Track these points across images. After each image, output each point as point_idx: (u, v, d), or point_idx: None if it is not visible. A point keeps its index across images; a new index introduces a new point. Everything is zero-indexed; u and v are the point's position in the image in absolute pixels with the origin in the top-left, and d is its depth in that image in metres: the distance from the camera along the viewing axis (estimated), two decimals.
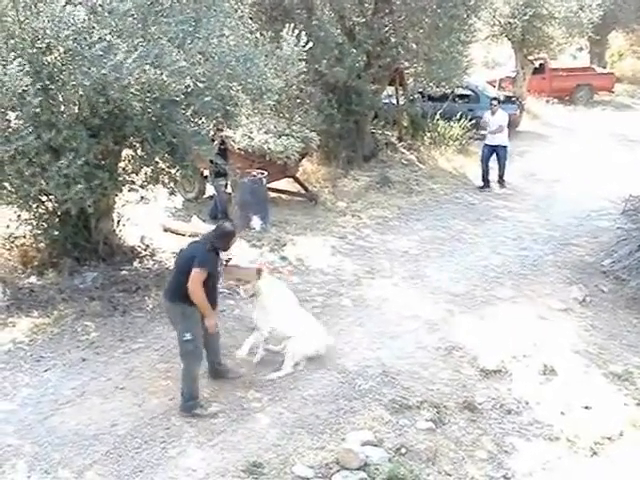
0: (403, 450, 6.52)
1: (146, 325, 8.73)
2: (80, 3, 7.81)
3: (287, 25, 9.97)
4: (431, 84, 16.47)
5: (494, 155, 15.13)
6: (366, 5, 15.43)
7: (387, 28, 15.09)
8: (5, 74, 7.26)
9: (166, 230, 11.66)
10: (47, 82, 8.03)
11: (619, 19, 29.03)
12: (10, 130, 8.07)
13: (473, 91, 19.70)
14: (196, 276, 6.72)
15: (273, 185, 13.40)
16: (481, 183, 15.32)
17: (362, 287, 10.08)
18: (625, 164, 16.82)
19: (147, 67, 7.63)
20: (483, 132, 15.09)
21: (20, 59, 7.48)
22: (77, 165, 8.20)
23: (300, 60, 9.86)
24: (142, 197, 9.89)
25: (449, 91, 17.43)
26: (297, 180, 14.00)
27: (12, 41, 7.88)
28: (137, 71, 7.57)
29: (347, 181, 14.81)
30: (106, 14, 7.91)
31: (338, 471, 6.18)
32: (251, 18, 10.99)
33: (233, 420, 6.93)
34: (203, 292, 6.77)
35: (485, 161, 15.17)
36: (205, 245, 6.97)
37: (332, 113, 14.90)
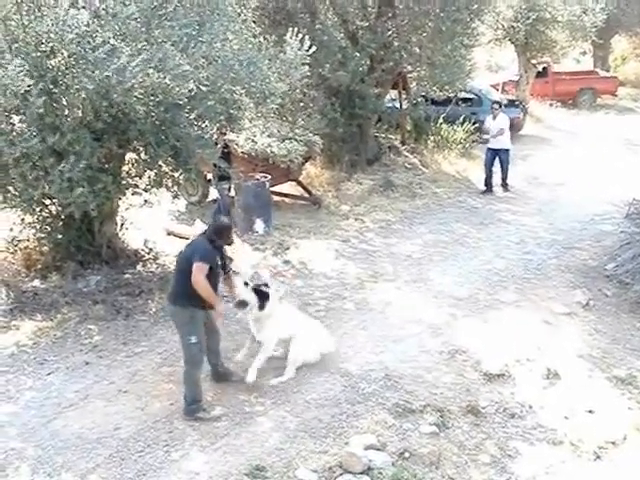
0: (406, 454, 6.51)
1: (149, 329, 8.73)
2: (84, 7, 7.83)
3: (290, 29, 9.98)
4: (434, 88, 16.45)
5: (497, 159, 15.13)
6: (369, 9, 15.46)
7: (390, 32, 15.10)
8: (4, 75, 7.27)
9: (169, 234, 11.67)
10: (51, 86, 8.04)
11: (622, 23, 29.01)
12: (14, 134, 8.08)
13: (476, 95, 19.69)
14: (198, 269, 6.70)
15: (276, 189, 13.42)
16: (484, 187, 15.30)
17: (365, 291, 10.07)
18: (628, 168, 16.79)
19: (151, 71, 7.64)
20: (486, 136, 15.07)
21: (21, 60, 7.49)
22: (79, 168, 8.21)
23: (303, 64, 9.86)
24: (145, 201, 9.89)
25: (452, 95, 17.43)
26: (300, 184, 14.01)
27: (16, 45, 7.90)
28: (140, 75, 7.58)
29: (350, 185, 14.80)
30: (109, 18, 7.93)
31: (341, 475, 6.18)
32: (254, 22, 11.00)
33: (236, 424, 6.93)
34: (207, 282, 6.75)
35: (489, 165, 15.17)
36: (204, 241, 6.97)
37: (335, 117, 14.92)
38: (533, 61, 23.78)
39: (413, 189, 14.92)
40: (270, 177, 12.41)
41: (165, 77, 7.85)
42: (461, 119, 17.60)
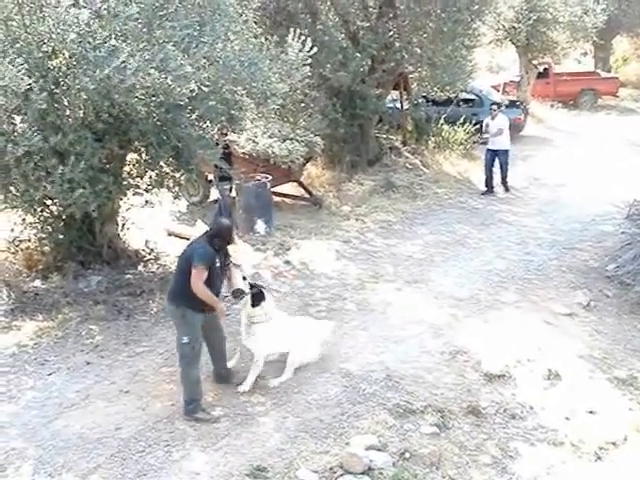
0: (407, 454, 6.51)
1: (150, 329, 8.74)
2: (84, 6, 7.82)
3: (291, 30, 9.98)
4: (435, 88, 16.44)
5: (497, 159, 15.12)
6: (370, 10, 15.45)
7: (391, 32, 15.09)
8: (4, 76, 7.27)
9: (170, 234, 11.67)
10: (52, 86, 8.05)
11: (623, 24, 29.00)
12: (16, 134, 8.09)
13: (477, 95, 19.70)
14: (196, 273, 6.70)
15: (277, 189, 13.42)
16: (484, 188, 15.30)
17: (366, 291, 10.07)
18: (629, 168, 16.78)
19: (152, 71, 7.64)
20: (486, 135, 15.06)
21: (21, 59, 7.50)
22: (81, 169, 8.22)
23: (304, 65, 9.87)
24: (147, 201, 9.90)
25: (453, 95, 17.42)
26: (301, 184, 14.01)
27: (18, 45, 7.90)
28: (141, 73, 7.58)
29: (351, 185, 14.81)
30: (111, 18, 7.93)
31: (342, 475, 6.18)
32: (255, 23, 11.00)
33: (237, 424, 6.93)
34: (205, 287, 6.75)
35: (488, 166, 15.16)
36: (204, 243, 6.94)
37: (336, 117, 14.92)
38: (534, 62, 23.74)
39: (414, 190, 14.92)
40: (271, 178, 12.42)
41: (166, 78, 7.85)
42: (462, 120, 17.61)
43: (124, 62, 7.45)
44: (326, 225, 12.77)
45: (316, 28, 14.26)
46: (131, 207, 10.10)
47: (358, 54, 14.56)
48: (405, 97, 17.27)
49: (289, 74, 9.71)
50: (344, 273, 10.72)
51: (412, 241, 12.30)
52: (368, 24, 15.14)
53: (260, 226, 12.05)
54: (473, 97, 19.63)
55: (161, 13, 8.34)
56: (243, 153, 12.76)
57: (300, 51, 9.68)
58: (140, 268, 10.04)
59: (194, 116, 9.22)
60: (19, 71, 7.36)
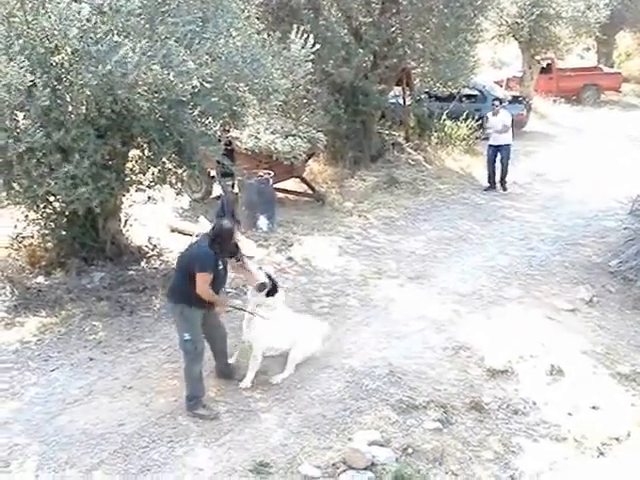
0: (410, 450, 6.51)
1: (153, 325, 8.75)
2: (86, 2, 7.81)
3: (294, 25, 9.97)
4: (438, 84, 16.45)
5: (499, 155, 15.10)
6: (373, 5, 15.43)
7: (394, 28, 15.09)
8: (7, 73, 7.28)
9: (173, 230, 11.68)
10: (55, 82, 8.05)
11: (627, 19, 28.97)
12: (19, 130, 8.09)
13: (480, 91, 19.68)
14: (202, 280, 6.73)
15: (280, 185, 13.42)
16: (487, 184, 15.29)
17: (369, 287, 10.08)
18: (632, 164, 16.74)
19: (154, 67, 7.63)
20: (489, 131, 14.98)
21: (23, 56, 7.50)
22: (85, 166, 8.23)
23: (307, 61, 9.86)
24: (149, 197, 9.91)
25: (456, 91, 17.41)
26: (304, 180, 14.01)
27: (21, 41, 7.90)
28: (143, 67, 7.58)
29: (354, 181, 14.81)
30: (112, 14, 7.92)
31: (345, 471, 6.18)
32: (258, 18, 10.98)
33: (240, 420, 6.94)
34: (211, 292, 6.83)
35: (491, 162, 15.12)
36: (205, 245, 6.91)
37: (339, 113, 14.92)
38: (537, 57, 23.74)
39: (417, 185, 14.91)
40: (273, 174, 12.41)
41: (169, 74, 7.85)
42: (465, 115, 17.59)
43: (125, 56, 7.44)
44: (329, 221, 12.77)
45: (319, 24, 14.24)
46: (134, 203, 10.11)
47: (361, 50, 14.56)
48: (408, 93, 17.25)
49: (291, 70, 9.70)
50: (347, 269, 10.72)
51: (415, 237, 12.30)
52: (371, 20, 15.14)
53: (263, 222, 12.05)
54: (476, 93, 19.61)
55: (163, 9, 8.34)
56: (245, 149, 12.76)
57: (302, 47, 9.67)
58: (143, 264, 10.04)
59: (196, 112, 9.22)
60: (22, 68, 7.37)
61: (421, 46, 15.55)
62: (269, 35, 10.00)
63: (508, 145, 14.98)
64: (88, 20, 7.64)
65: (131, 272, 9.71)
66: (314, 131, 13.48)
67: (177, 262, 7.28)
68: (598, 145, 19.56)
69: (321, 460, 6.35)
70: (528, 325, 8.94)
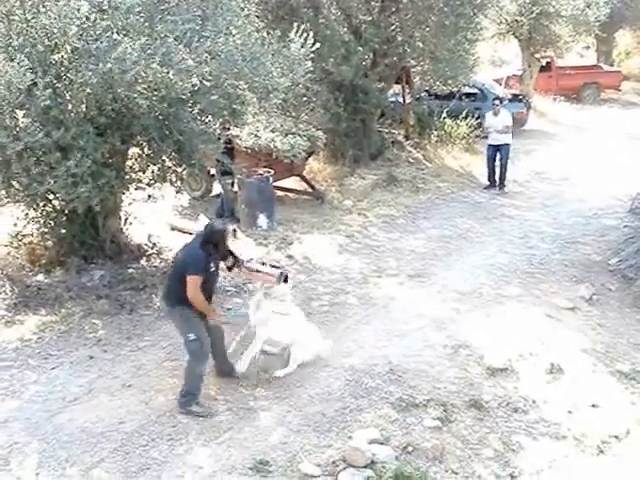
0: (410, 448, 6.52)
1: (153, 323, 8.75)
2: None
3: (294, 24, 9.96)
4: (438, 82, 16.45)
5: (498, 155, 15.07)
6: (373, 3, 15.43)
7: (394, 26, 15.11)
8: (7, 72, 7.27)
9: (173, 229, 11.66)
10: (55, 81, 8.05)
11: (626, 17, 28.97)
12: (18, 129, 8.09)
13: (480, 89, 19.68)
14: (192, 283, 6.69)
15: (280, 184, 13.41)
16: (487, 182, 15.29)
17: (369, 285, 10.08)
18: (633, 162, 16.75)
19: (154, 65, 7.63)
20: (490, 129, 14.90)
21: (23, 55, 7.50)
22: (85, 165, 8.23)
23: (307, 59, 9.85)
24: (149, 195, 9.91)
25: (456, 89, 17.41)
26: (304, 179, 14.01)
27: (20, 39, 7.89)
28: (143, 62, 7.57)
29: (354, 179, 14.80)
30: (111, 11, 7.91)
31: (345, 469, 6.18)
32: (257, 17, 10.98)
33: (240, 418, 6.94)
34: (202, 297, 6.79)
35: (491, 162, 15.09)
36: (197, 247, 6.87)
37: (338, 112, 14.92)
38: (537, 55, 23.76)
39: (416, 184, 14.92)
40: (273, 172, 12.41)
41: (168, 72, 7.85)
42: (464, 114, 17.58)
43: (124, 53, 7.44)
44: (328, 219, 12.77)
45: (318, 22, 14.25)
46: (133, 201, 10.11)
47: (360, 48, 14.56)
48: (407, 91, 17.26)
49: (291, 68, 9.70)
50: (347, 267, 10.72)
51: (415, 235, 12.30)
52: (370, 18, 15.15)
53: (262, 220, 12.05)
54: (476, 91, 19.60)
55: (163, 7, 8.34)
56: (245, 147, 12.74)
57: (302, 46, 9.66)
58: (143, 262, 10.04)
59: (196, 110, 9.22)
60: (22, 67, 7.36)
61: (421, 44, 15.55)
62: (269, 33, 10.00)
63: (508, 145, 14.93)
64: (87, 18, 7.64)
65: (131, 270, 9.71)
66: (314, 129, 13.49)
67: (172, 265, 7.26)
68: (598, 143, 19.57)
69: (321, 458, 6.34)
70: (528, 323, 8.95)
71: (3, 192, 8.77)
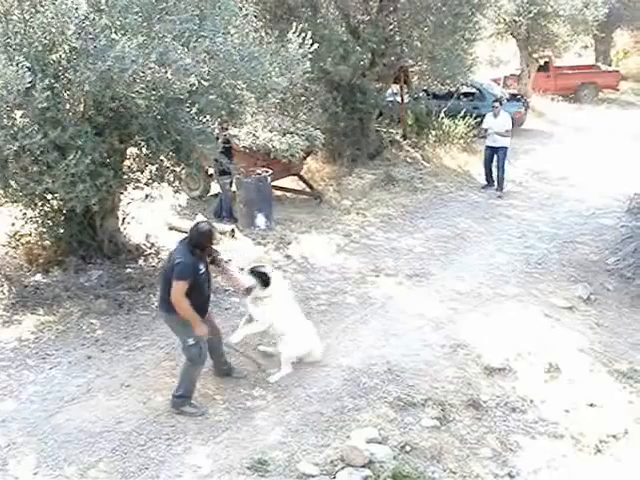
0: (408, 448, 6.53)
1: (151, 323, 8.74)
2: None
3: (292, 24, 9.96)
4: (436, 82, 16.46)
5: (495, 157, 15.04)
6: (371, 3, 15.42)
7: (392, 26, 15.10)
8: (5, 73, 7.26)
9: (171, 228, 11.67)
10: (52, 80, 8.04)
11: (624, 17, 28.97)
12: (15, 128, 8.08)
13: (478, 89, 19.68)
14: (177, 289, 6.59)
15: (278, 183, 13.41)
16: (485, 182, 15.29)
17: (367, 285, 10.08)
18: (630, 162, 16.75)
19: (152, 64, 7.63)
20: (490, 130, 14.83)
21: (21, 55, 7.49)
22: (84, 164, 8.22)
23: (305, 59, 9.84)
24: (147, 195, 9.90)
25: (454, 89, 17.42)
26: (302, 178, 14.02)
27: (18, 39, 7.89)
28: (141, 60, 7.57)
29: (352, 179, 14.80)
30: (107, 9, 7.90)
31: (343, 468, 6.19)
32: (255, 16, 10.99)
33: (238, 417, 6.95)
34: (187, 303, 6.63)
35: (487, 164, 15.06)
36: (185, 252, 6.76)
37: (337, 111, 14.93)
38: (535, 55, 23.76)
39: (414, 183, 14.91)
40: (271, 172, 12.40)
41: (166, 72, 7.85)
42: (462, 113, 17.59)
43: (123, 51, 7.43)
44: (326, 219, 12.77)
45: (316, 22, 14.25)
46: (132, 201, 10.10)
47: (358, 48, 14.56)
48: (405, 91, 17.26)
49: (289, 68, 9.69)
50: (345, 267, 10.72)
51: (413, 235, 12.30)
52: (368, 18, 15.15)
53: (260, 220, 12.05)
54: (474, 91, 19.61)
55: (161, 6, 8.33)
56: (243, 147, 12.75)
57: (300, 46, 9.66)
58: (141, 262, 10.05)
59: (194, 110, 9.19)
60: (20, 68, 7.35)
61: (419, 44, 15.53)
62: (267, 33, 10.04)
63: (505, 148, 14.78)
64: (86, 17, 7.63)
65: (129, 270, 9.72)
66: (312, 129, 13.47)
67: (161, 271, 7.20)
68: (596, 143, 19.58)
69: (319, 458, 6.35)
70: (526, 323, 8.95)
71: (1, 192, 8.76)
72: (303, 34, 9.69)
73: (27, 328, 8.51)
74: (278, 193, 13.59)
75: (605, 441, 6.79)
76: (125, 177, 9.54)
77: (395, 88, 17.41)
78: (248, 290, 7.50)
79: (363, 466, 6.19)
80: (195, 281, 6.69)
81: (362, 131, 15.78)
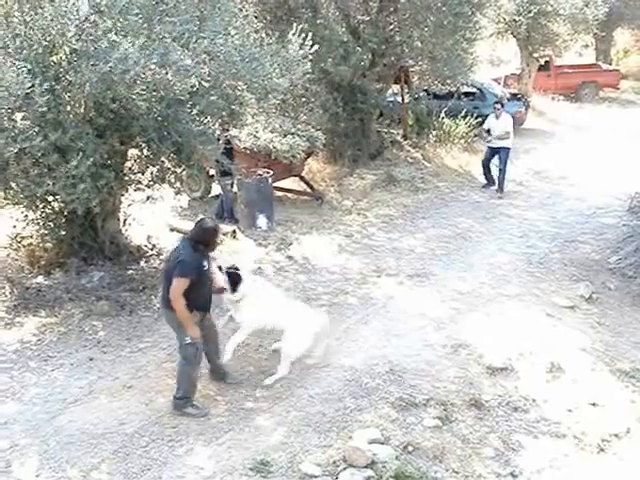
0: (410, 448, 6.53)
1: (153, 324, 8.75)
2: None
3: (292, 24, 9.96)
4: (436, 82, 16.47)
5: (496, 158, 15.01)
6: (371, 3, 15.43)
7: (392, 26, 15.10)
8: (3, 78, 7.27)
9: (172, 229, 11.67)
10: (53, 82, 8.04)
11: (624, 16, 28.95)
12: (16, 131, 8.08)
13: (478, 89, 19.65)
14: (177, 286, 6.58)
15: (279, 184, 13.41)
16: (485, 182, 15.28)
17: (368, 285, 10.08)
18: (631, 161, 16.74)
19: (153, 66, 7.63)
20: (489, 138, 14.75)
21: (22, 58, 7.50)
22: (85, 166, 8.22)
23: (305, 59, 9.84)
24: (148, 197, 9.91)
25: (454, 89, 17.40)
26: (303, 179, 14.01)
27: (18, 41, 7.89)
28: (143, 61, 7.57)
29: (353, 180, 14.80)
30: (109, 11, 7.90)
31: (345, 469, 6.19)
32: (256, 17, 10.99)
33: (240, 418, 6.95)
34: (182, 303, 6.62)
35: (486, 163, 15.01)
36: (188, 249, 6.77)
37: (337, 112, 14.94)
38: (535, 54, 23.74)
39: (415, 184, 14.91)
40: (272, 173, 12.41)
41: (167, 73, 7.85)
42: (463, 113, 17.58)
43: (125, 53, 7.43)
44: (328, 220, 12.77)
45: (317, 22, 14.25)
46: (133, 203, 10.10)
47: (359, 48, 14.57)
48: (406, 91, 17.25)
49: (290, 69, 9.69)
50: (346, 267, 10.72)
51: (414, 235, 12.30)
52: (369, 18, 15.16)
53: (262, 221, 12.06)
54: (474, 90, 19.58)
55: (161, 8, 8.34)
56: (244, 148, 12.75)
57: (301, 46, 9.67)
58: (142, 264, 10.05)
59: (195, 111, 9.21)
60: (20, 71, 7.35)
61: (419, 44, 15.54)
62: (267, 34, 10.03)
63: (507, 148, 14.72)
64: (86, 19, 7.64)
65: (130, 271, 9.72)
66: (313, 130, 13.48)
67: (164, 269, 7.19)
68: (596, 142, 19.57)
69: (321, 458, 6.35)
70: (527, 322, 8.95)
71: (2, 194, 8.77)
72: (303, 35, 9.69)
73: (29, 330, 8.51)
74: (279, 194, 13.59)
75: (607, 440, 6.78)
76: (126, 178, 9.55)
77: (395, 88, 17.41)
78: (220, 291, 7.42)
79: (365, 466, 6.18)
80: (199, 277, 6.70)
81: (363, 131, 15.79)
